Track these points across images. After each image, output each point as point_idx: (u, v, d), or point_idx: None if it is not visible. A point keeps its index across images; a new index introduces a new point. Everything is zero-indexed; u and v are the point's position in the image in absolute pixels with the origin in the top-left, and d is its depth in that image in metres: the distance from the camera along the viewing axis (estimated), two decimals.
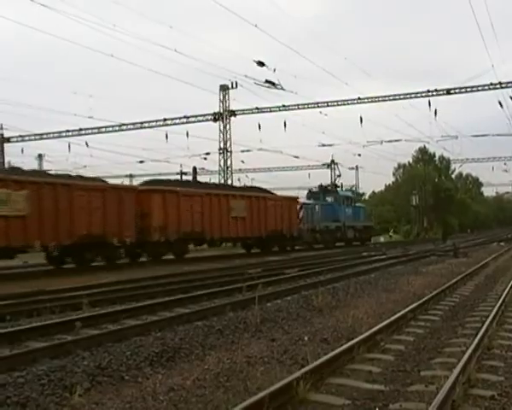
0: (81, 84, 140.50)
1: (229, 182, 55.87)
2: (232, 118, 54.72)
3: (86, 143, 57.07)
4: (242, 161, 66.53)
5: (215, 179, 57.22)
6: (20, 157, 63.22)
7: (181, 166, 72.42)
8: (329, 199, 50.69)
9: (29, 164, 66.06)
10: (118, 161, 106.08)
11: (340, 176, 61.16)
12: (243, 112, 54.28)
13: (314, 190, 51.67)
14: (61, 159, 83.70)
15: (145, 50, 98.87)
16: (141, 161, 73.87)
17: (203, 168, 67.32)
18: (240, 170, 68.83)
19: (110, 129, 56.60)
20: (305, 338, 10.53)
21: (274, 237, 39.40)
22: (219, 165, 56.45)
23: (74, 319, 11.61)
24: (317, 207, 47.75)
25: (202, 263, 29.63)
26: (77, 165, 66.99)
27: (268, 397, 6.30)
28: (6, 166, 53.92)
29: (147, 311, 13.39)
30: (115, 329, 11.08)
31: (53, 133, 59.24)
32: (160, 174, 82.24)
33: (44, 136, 59.89)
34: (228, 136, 55.19)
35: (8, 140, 61.82)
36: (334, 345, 9.75)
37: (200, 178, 68.81)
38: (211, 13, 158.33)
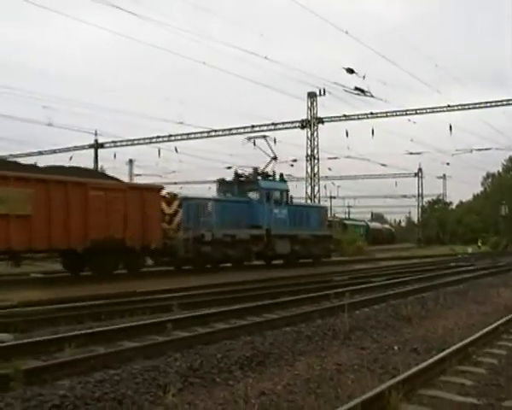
0: (173, 91, 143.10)
1: (316, 189, 55.67)
2: (320, 125, 54.58)
3: (175, 149, 58.16)
4: (329, 169, 66.38)
5: (302, 187, 56.95)
6: (112, 162, 65.12)
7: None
8: (252, 194, 32.99)
9: (120, 169, 68.05)
10: (206, 166, 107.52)
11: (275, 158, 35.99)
12: (331, 119, 54.06)
13: (228, 179, 34.51)
14: (151, 164, 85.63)
15: (235, 58, 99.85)
16: (228, 167, 74.70)
17: (290, 175, 67.43)
18: (326, 177, 68.66)
19: (199, 135, 57.42)
20: (395, 348, 10.41)
21: (106, 250, 24.14)
22: (306, 172, 56.38)
23: (165, 321, 11.85)
24: (210, 204, 29.51)
25: None
26: (166, 170, 68.33)
27: (360, 405, 6.27)
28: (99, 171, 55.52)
29: (236, 315, 13.54)
30: (205, 332, 11.24)
31: (143, 139, 60.60)
32: None
33: (135, 141, 61.32)
34: (315, 143, 55.07)
35: (101, 146, 63.66)
36: (424, 356, 9.60)
37: (289, 185, 69.23)
38: (302, 20, 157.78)
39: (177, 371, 8.10)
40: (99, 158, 64.04)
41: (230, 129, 55.85)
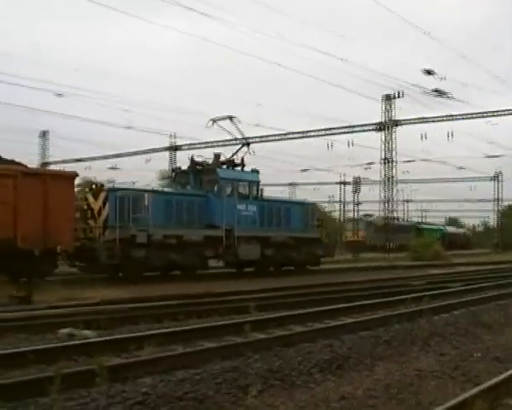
0: (249, 93, 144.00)
1: (395, 192, 55.05)
2: (396, 127, 53.97)
3: (249, 151, 58.36)
4: (407, 172, 65.54)
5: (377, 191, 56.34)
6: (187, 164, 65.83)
7: (343, 175, 72.43)
8: (211, 186, 27.29)
9: None
10: (281, 169, 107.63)
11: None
12: (408, 122, 53.35)
13: (184, 168, 29.17)
14: None
15: (311, 59, 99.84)
16: (304, 170, 74.78)
17: (366, 178, 67.01)
18: (403, 180, 67.83)
19: (276, 137, 57.56)
20: (476, 355, 10.19)
21: None
22: (382, 175, 55.86)
23: (243, 322, 11.91)
24: (146, 198, 24.16)
25: None
26: None
27: None
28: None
29: (313, 318, 13.50)
30: (283, 334, 11.25)
31: (217, 142, 61.09)
32: (321, 183, 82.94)
33: (210, 144, 61.83)
34: (391, 146, 54.47)
35: (178, 148, 64.62)
36: (507, 365, 9.35)
37: (363, 188, 68.34)
38: (382, 21, 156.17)
39: (257, 372, 8.13)
40: (177, 161, 64.95)
41: (307, 131, 55.80)
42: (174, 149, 65.26)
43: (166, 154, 66.47)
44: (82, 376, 7.31)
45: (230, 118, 29.42)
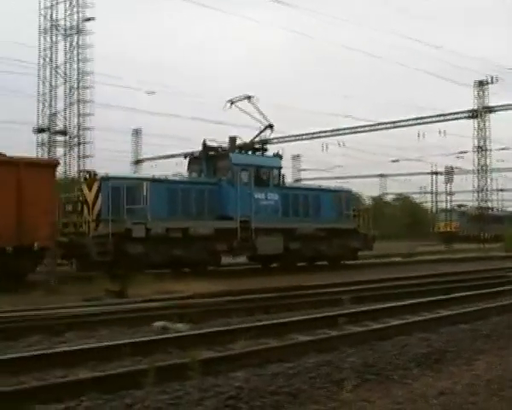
0: (339, 85, 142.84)
1: (488, 182, 53.32)
2: (490, 114, 52.30)
3: (339, 143, 58.06)
4: (501, 160, 63.57)
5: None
6: None
7: (434, 165, 70.79)
8: (225, 173, 24.83)
9: (285, 165, 68.68)
10: (371, 160, 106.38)
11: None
12: (503, 108, 51.55)
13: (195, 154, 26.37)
14: (317, 159, 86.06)
15: (403, 48, 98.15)
16: (394, 160, 73.61)
17: (458, 168, 65.36)
18: (498, 169, 65.80)
19: (366, 128, 56.91)
20: None
21: None
22: (475, 164, 54.32)
23: (337, 315, 11.72)
24: (144, 187, 21.66)
25: None
26: (330, 164, 68.38)
27: None
28: None
29: (408, 310, 13.15)
30: (379, 327, 10.98)
31: (306, 134, 60.94)
32: (411, 174, 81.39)
33: (302, 136, 61.68)
34: (485, 133, 52.82)
35: (268, 142, 64.70)
36: None
37: (456, 178, 66.56)
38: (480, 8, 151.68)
39: (352, 366, 7.93)
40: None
41: (396, 121, 54.88)
42: (264, 142, 65.36)
43: None
44: (175, 369, 7.30)
45: (248, 97, 26.79)
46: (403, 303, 13.88)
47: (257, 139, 27.50)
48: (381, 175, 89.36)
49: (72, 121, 46.25)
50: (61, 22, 47.90)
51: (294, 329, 10.90)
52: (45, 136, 45.24)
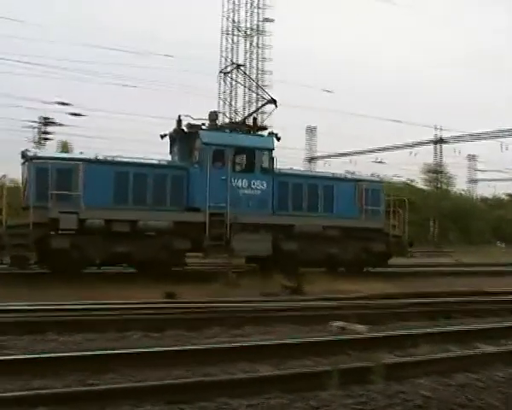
0: None
1: None
2: None
3: None
4: None
5: None
6: (453, 158, 63.93)
7: None
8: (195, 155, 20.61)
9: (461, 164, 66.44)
10: None
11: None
12: None
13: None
14: (496, 159, 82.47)
15: None
16: None
17: None
18: None
19: None
20: None
21: None
22: None
23: None
24: (79, 170, 18.20)
25: None
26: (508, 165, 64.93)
27: None
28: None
29: None
30: None
31: (486, 133, 58.36)
32: None
33: (480, 136, 59.21)
34: None
35: (443, 141, 62.93)
36: None
37: None
38: None
39: None
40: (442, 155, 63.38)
41: None
42: (439, 141, 63.54)
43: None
44: (357, 372, 7.12)
45: (238, 66, 23.04)
46: None
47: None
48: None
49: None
50: (242, 24, 49.46)
51: (477, 337, 10.34)
52: None
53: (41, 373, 7.02)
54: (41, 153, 19.10)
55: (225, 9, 49.77)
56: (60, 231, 17.77)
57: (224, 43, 49.60)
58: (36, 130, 48.77)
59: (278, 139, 21.20)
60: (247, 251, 20.66)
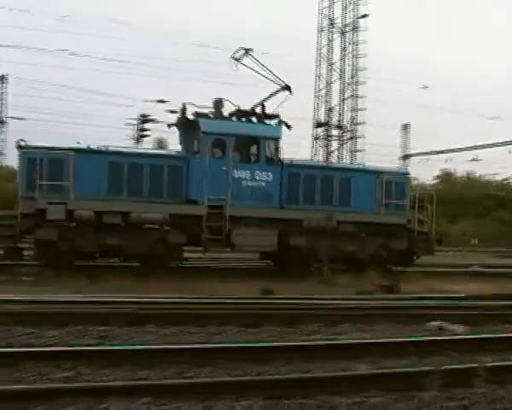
0: None
1: None
2: None
3: None
4: None
5: None
6: None
7: None
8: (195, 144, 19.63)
9: None
10: None
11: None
12: None
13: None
14: None
15: None
16: None
17: None
18: None
19: None
20: None
21: None
22: None
23: None
24: (69, 160, 17.63)
25: None
26: None
27: None
28: None
29: None
30: None
31: None
32: None
33: None
34: None
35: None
36: None
37: None
38: None
39: None
40: None
41: None
42: None
43: None
44: (460, 374, 6.96)
45: (246, 51, 20.52)
46: None
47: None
48: None
49: (346, 116, 47.29)
50: (338, 20, 49.28)
51: None
52: (320, 130, 46.76)
53: (141, 364, 7.25)
54: (32, 143, 18.18)
55: (322, 6, 49.67)
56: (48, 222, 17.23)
57: (320, 40, 49.55)
58: (135, 127, 50.16)
59: (289, 128, 19.88)
60: (248, 246, 19.51)
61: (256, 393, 6.08)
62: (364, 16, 48.98)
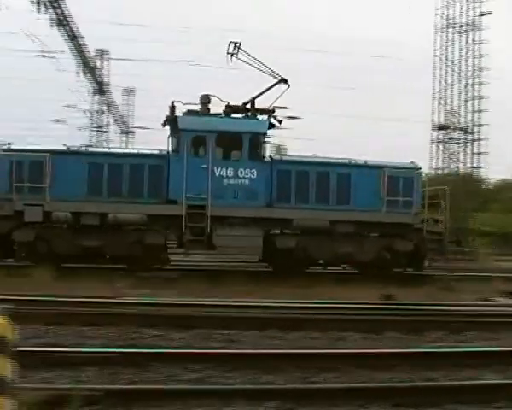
0: None
1: None
2: None
3: None
4: None
5: None
6: None
7: None
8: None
9: None
10: None
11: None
12: None
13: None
14: None
15: None
16: None
17: None
18: None
19: None
20: None
21: None
22: None
23: None
24: (47, 159, 17.78)
25: None
26: None
27: None
28: None
29: None
30: None
31: None
32: None
33: None
34: None
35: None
36: None
37: None
38: None
39: None
40: None
41: None
42: None
43: None
44: None
45: (234, 44, 19.46)
46: None
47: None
48: None
49: (467, 118, 46.23)
50: (457, 19, 48.20)
51: None
52: (440, 133, 45.91)
53: (266, 368, 7.34)
54: (13, 146, 18.28)
55: (439, 6, 48.65)
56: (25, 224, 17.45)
57: (439, 40, 48.53)
58: None
59: (280, 122, 19.30)
60: (231, 247, 18.73)
61: (383, 400, 6.07)
62: (485, 14, 47.53)
